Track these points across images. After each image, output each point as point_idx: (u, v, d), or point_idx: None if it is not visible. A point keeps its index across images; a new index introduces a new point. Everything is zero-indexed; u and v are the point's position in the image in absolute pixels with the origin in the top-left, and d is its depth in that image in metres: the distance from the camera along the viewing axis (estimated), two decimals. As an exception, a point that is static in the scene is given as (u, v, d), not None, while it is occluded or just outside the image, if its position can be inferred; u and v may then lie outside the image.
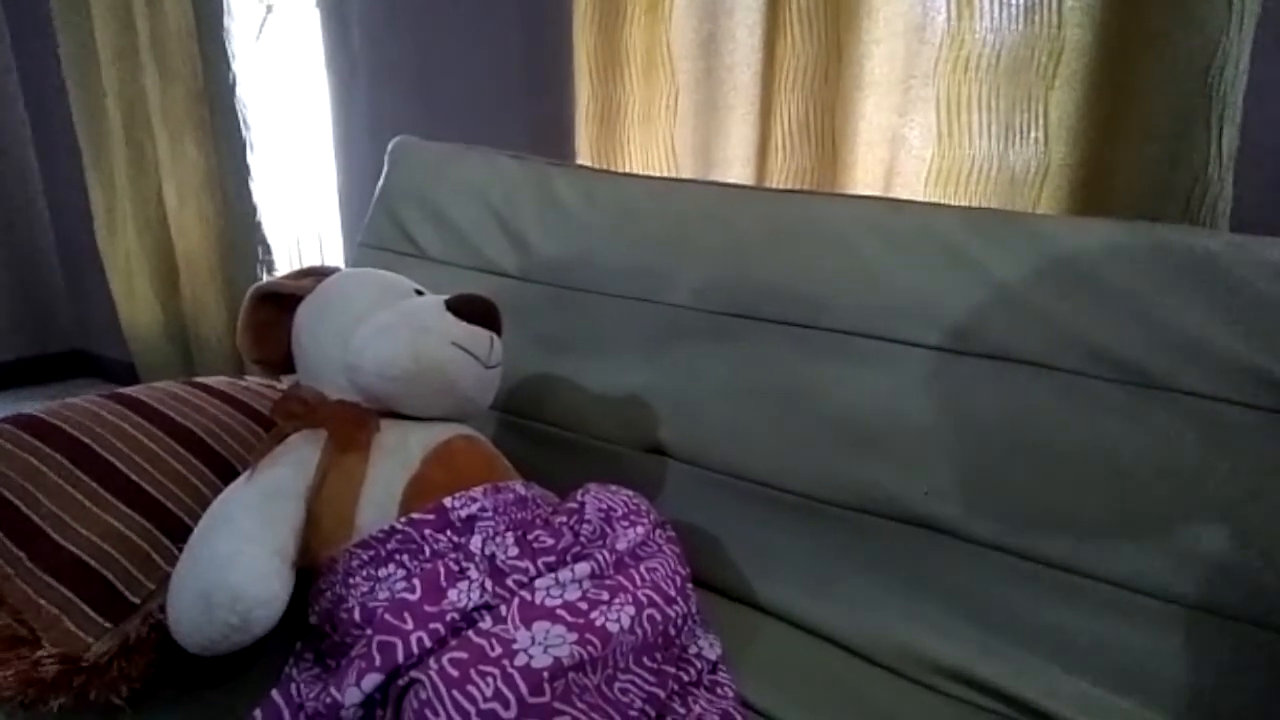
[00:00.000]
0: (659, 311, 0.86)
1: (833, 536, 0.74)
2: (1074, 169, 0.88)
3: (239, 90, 1.83)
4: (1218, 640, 0.59)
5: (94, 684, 0.57)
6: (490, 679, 0.47)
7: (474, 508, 0.63)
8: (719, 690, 0.62)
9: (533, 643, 0.50)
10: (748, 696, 0.63)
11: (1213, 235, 0.65)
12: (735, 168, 1.15)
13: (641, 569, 0.62)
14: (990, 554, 0.67)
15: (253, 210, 1.91)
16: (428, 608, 0.54)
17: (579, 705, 0.49)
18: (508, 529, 0.63)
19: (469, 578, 0.58)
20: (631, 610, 0.56)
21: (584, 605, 0.55)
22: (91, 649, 0.57)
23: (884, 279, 0.75)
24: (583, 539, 0.65)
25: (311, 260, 2.06)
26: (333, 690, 0.51)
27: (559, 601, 0.56)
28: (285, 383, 0.79)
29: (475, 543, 0.61)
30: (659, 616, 0.59)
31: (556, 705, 0.48)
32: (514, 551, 0.61)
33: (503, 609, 0.55)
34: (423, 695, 0.46)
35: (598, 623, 0.54)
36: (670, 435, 0.84)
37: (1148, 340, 0.64)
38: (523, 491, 0.69)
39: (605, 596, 0.57)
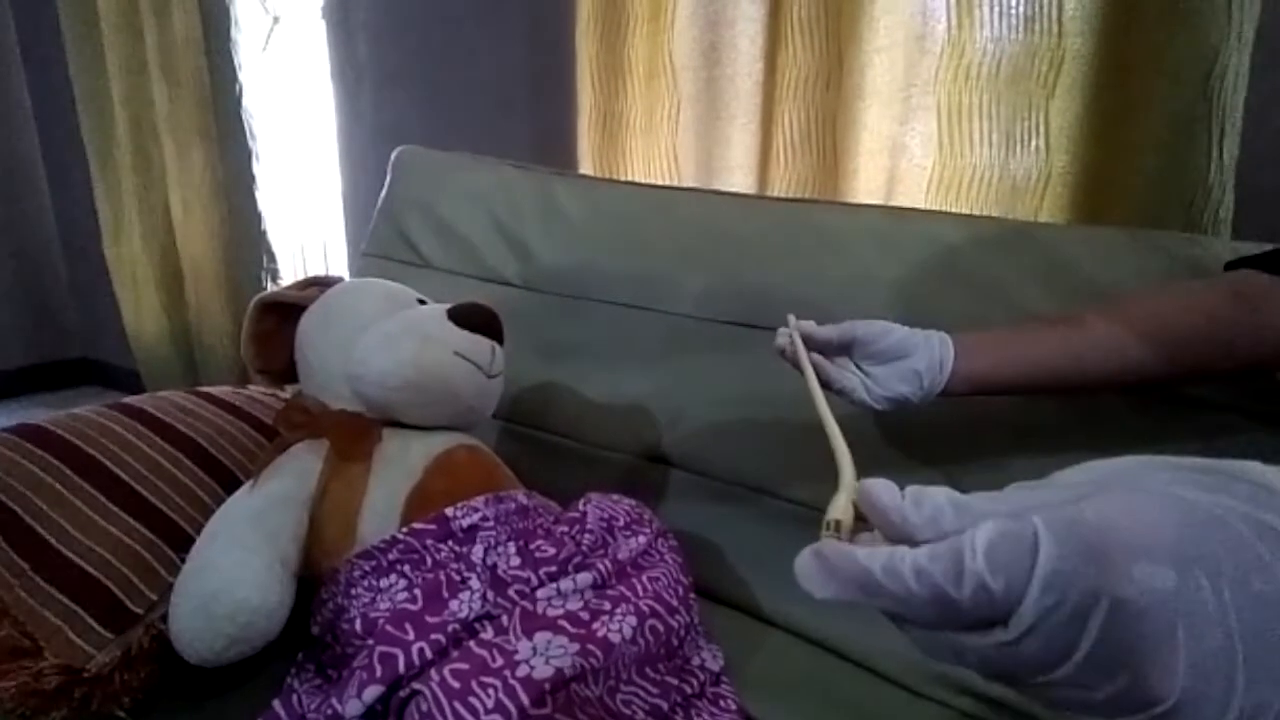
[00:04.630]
0: (661, 320, 0.86)
1: (835, 546, 0.74)
2: (1075, 177, 0.88)
3: (245, 100, 1.84)
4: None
5: (96, 695, 0.57)
6: (491, 690, 0.46)
7: (475, 517, 0.63)
8: (722, 703, 0.61)
9: (534, 653, 0.50)
10: (750, 709, 0.63)
11: (1214, 243, 0.65)
12: (737, 176, 1.15)
13: (644, 579, 0.61)
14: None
15: (258, 219, 1.92)
16: (429, 618, 0.54)
17: (581, 717, 0.49)
18: (509, 539, 0.63)
19: (470, 588, 0.58)
20: (634, 620, 0.56)
21: (586, 615, 0.55)
22: (94, 660, 0.57)
23: (886, 287, 0.75)
24: (584, 548, 0.65)
25: (316, 269, 2.07)
26: (334, 701, 0.51)
27: (560, 611, 0.56)
28: (288, 392, 0.79)
29: (477, 552, 0.61)
30: (661, 627, 0.58)
31: (558, 717, 0.47)
32: (515, 561, 0.61)
33: (504, 619, 0.55)
34: (424, 706, 0.46)
35: (599, 633, 0.54)
36: (672, 443, 0.84)
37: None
38: (524, 501, 0.69)
39: (607, 607, 0.57)
